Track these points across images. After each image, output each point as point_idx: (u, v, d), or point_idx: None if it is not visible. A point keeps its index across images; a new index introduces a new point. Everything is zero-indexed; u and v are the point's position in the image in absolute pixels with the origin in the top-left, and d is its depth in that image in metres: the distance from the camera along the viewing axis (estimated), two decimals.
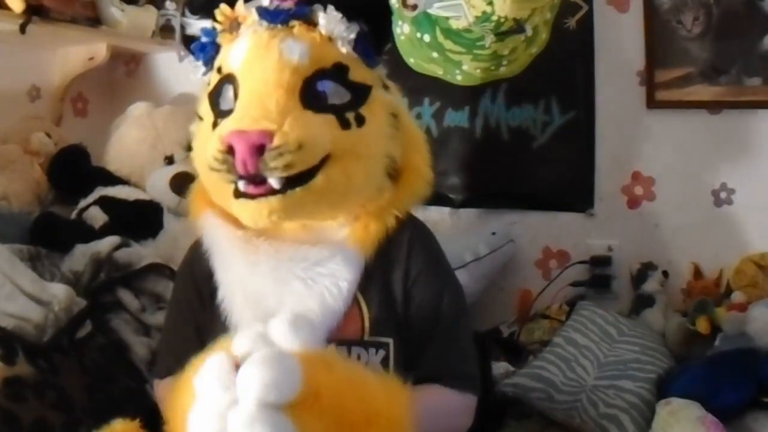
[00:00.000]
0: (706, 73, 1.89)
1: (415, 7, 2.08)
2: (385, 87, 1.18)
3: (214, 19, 1.10)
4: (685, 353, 1.67)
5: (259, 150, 0.97)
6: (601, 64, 1.98)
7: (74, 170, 1.91)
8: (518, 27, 1.98)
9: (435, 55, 2.07)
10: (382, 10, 1.13)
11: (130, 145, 2.04)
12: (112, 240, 1.62)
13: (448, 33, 2.05)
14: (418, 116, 2.07)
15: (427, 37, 2.07)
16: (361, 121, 1.07)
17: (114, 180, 1.95)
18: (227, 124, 1.02)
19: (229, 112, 1.05)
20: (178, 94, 2.38)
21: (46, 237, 1.62)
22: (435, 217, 1.96)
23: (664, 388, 1.44)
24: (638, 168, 1.99)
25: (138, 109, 2.11)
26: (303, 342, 0.88)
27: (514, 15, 1.97)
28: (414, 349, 1.11)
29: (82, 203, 1.83)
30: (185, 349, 1.03)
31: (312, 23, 1.07)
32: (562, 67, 2.00)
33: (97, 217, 1.78)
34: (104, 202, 1.81)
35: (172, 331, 1.22)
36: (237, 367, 0.86)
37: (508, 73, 2.03)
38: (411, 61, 2.09)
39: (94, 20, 2.07)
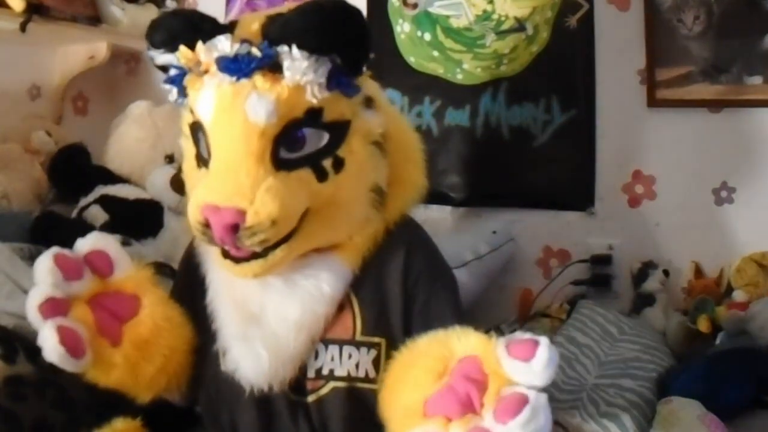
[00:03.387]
0: (707, 71, 1.89)
1: (415, 5, 2.08)
2: (369, 103, 1.10)
3: (178, 59, 1.03)
4: (686, 352, 1.67)
5: (234, 228, 0.96)
6: (602, 62, 1.98)
7: (75, 169, 1.91)
8: (519, 26, 1.98)
9: (435, 53, 2.07)
10: (358, 37, 1.02)
11: (131, 144, 2.04)
12: None
13: (449, 32, 2.05)
14: (419, 115, 2.07)
15: (427, 36, 2.07)
16: (339, 165, 1.04)
17: (114, 179, 1.94)
18: (202, 193, 0.99)
19: (206, 162, 1.05)
20: None
21: (47, 236, 1.61)
22: (436, 215, 1.96)
23: (664, 386, 1.44)
24: (639, 167, 1.99)
25: (138, 107, 2.11)
26: None
27: (514, 13, 1.97)
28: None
29: (83, 202, 1.83)
30: None
31: (278, 69, 0.99)
32: (562, 66, 2.00)
33: (97, 216, 1.78)
34: (105, 201, 1.81)
35: None
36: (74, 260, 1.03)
37: (508, 72, 2.03)
38: (411, 59, 2.09)
39: (95, 19, 2.07)
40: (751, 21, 1.85)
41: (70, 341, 0.97)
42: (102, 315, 1.05)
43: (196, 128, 1.06)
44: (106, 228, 1.71)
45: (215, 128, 1.02)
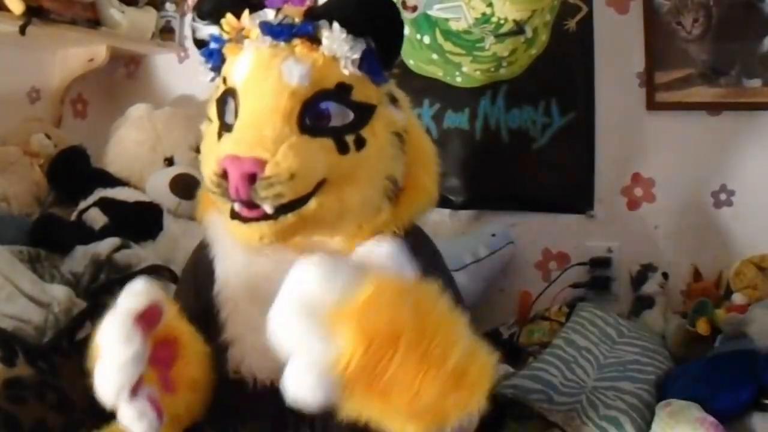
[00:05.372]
0: (706, 74, 1.89)
1: (415, 8, 2.08)
2: (394, 101, 1.14)
3: (222, 27, 1.08)
4: (685, 355, 1.67)
5: (251, 178, 0.96)
6: (601, 65, 1.98)
7: (74, 172, 1.91)
8: (518, 28, 1.98)
9: (435, 56, 2.07)
10: (392, 26, 1.08)
11: (130, 146, 2.04)
12: (112, 241, 1.62)
13: (448, 34, 2.05)
14: (418, 118, 2.07)
15: (426, 39, 2.07)
16: (361, 144, 1.05)
17: (114, 181, 1.94)
18: (224, 146, 1.01)
19: (230, 127, 1.05)
20: (177, 95, 2.39)
21: (46, 238, 1.62)
22: (435, 218, 1.96)
23: (663, 389, 1.44)
24: (638, 169, 1.99)
25: (138, 110, 2.11)
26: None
27: (513, 16, 1.97)
28: None
29: (82, 205, 1.83)
30: None
31: (316, 41, 1.04)
32: (561, 69, 2.00)
33: (96, 218, 1.78)
34: (104, 204, 1.81)
35: None
36: (138, 320, 0.91)
37: (507, 75, 2.03)
38: (410, 62, 2.10)
39: (94, 22, 2.08)
40: (750, 24, 1.85)
41: (159, 410, 0.95)
42: (159, 369, 1.00)
43: (226, 97, 1.08)
44: (106, 231, 1.72)
45: (247, 86, 1.04)
